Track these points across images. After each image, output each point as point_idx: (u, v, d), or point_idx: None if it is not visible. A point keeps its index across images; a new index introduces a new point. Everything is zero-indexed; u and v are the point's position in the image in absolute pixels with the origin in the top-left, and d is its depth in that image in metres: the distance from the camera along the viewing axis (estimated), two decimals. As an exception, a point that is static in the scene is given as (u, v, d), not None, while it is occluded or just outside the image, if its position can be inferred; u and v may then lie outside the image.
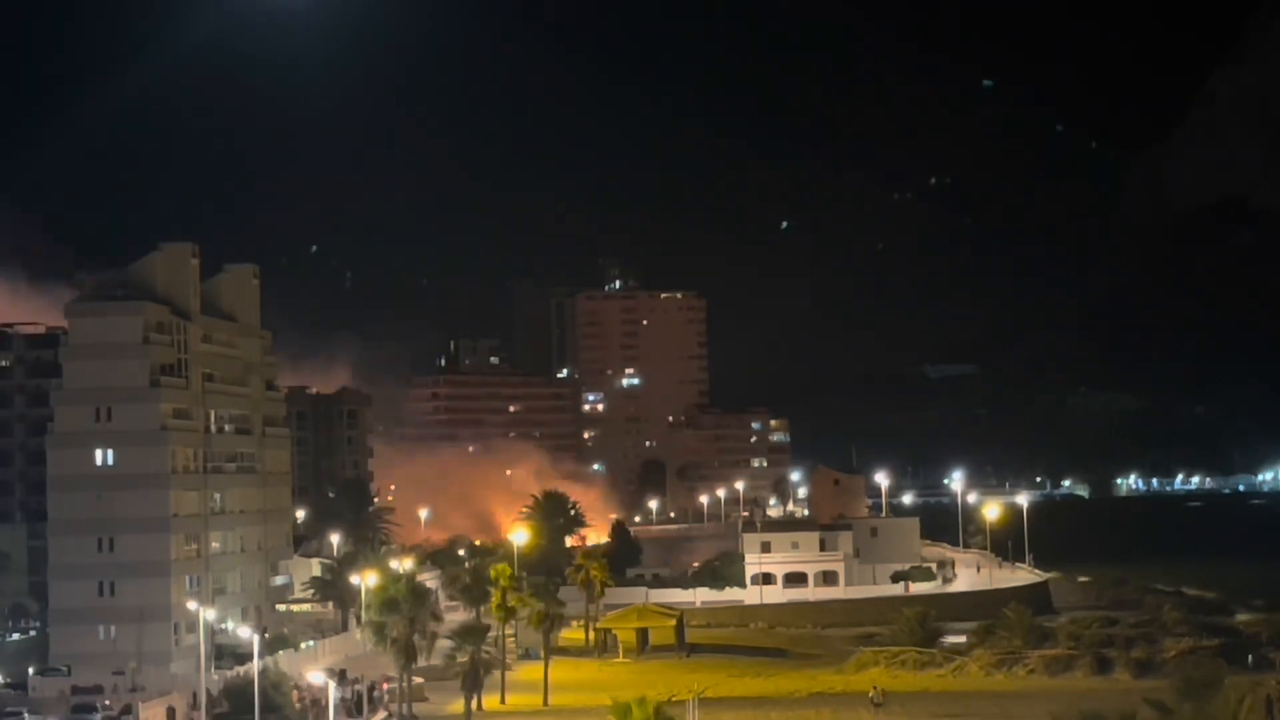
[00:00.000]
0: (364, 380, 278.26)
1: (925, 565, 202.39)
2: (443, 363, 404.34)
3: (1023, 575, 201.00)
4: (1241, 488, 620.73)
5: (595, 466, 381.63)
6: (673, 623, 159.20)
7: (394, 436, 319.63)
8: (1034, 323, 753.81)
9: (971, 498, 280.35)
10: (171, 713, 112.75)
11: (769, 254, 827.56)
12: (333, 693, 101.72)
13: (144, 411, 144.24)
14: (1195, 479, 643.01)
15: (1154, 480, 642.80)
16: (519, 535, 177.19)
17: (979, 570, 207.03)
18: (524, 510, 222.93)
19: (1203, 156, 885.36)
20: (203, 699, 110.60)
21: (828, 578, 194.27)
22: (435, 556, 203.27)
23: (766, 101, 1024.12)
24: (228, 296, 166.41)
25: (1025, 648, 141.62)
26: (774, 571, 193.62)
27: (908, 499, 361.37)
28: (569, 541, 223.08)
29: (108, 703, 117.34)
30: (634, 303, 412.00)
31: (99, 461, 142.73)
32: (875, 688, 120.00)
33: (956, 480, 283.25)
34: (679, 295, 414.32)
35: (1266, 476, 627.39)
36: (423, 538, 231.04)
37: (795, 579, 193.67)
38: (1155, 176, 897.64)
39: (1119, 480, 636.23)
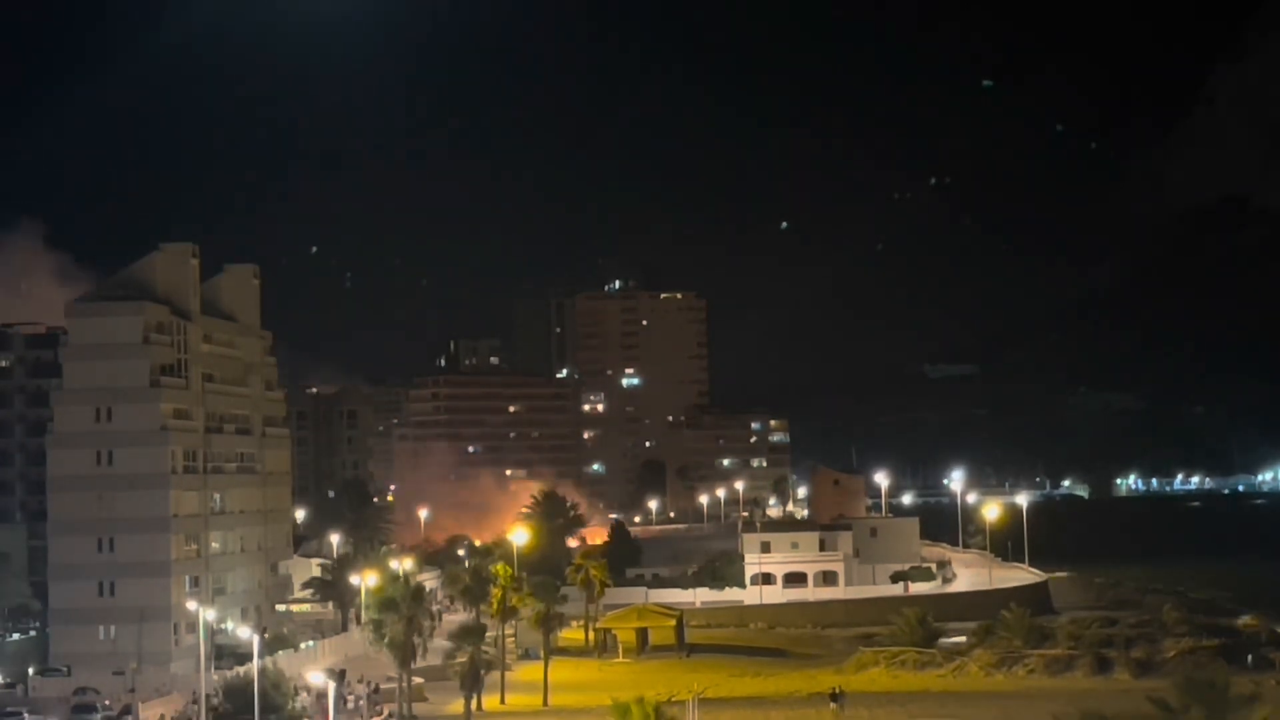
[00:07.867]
0: (364, 380, 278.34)
1: (925, 565, 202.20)
2: (443, 363, 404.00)
3: (1022, 575, 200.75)
4: (1241, 488, 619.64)
5: (595, 466, 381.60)
6: (672, 623, 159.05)
7: (394, 437, 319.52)
8: (1034, 323, 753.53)
9: (971, 498, 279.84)
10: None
11: (769, 254, 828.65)
12: (333, 693, 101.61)
13: (144, 411, 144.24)
14: (1195, 479, 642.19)
15: (1154, 480, 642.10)
16: (519, 535, 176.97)
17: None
18: (524, 510, 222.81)
19: (1203, 156, 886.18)
20: (202, 699, 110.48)
21: (827, 578, 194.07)
22: (435, 556, 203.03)
23: (766, 102, 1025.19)
24: (228, 296, 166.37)
25: (1025, 648, 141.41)
26: (774, 571, 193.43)
27: (907, 499, 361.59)
28: (569, 542, 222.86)
29: (108, 702, 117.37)
30: (634, 303, 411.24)
31: (99, 461, 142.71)
32: (835, 688, 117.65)
33: (956, 480, 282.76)
34: (679, 295, 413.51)
35: (1266, 476, 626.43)
36: (423, 538, 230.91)
37: (795, 579, 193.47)
38: (1155, 176, 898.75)
39: (1119, 480, 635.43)
